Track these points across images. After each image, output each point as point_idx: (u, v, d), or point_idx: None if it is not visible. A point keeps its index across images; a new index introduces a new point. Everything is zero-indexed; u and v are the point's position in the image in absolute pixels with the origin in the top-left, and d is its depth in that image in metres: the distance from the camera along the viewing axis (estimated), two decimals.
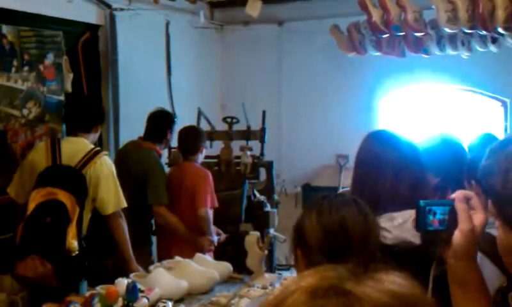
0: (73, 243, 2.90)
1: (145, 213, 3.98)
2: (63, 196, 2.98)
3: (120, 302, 2.28)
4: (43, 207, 2.96)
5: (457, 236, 1.14)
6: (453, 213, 1.16)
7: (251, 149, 4.73)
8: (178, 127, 4.34)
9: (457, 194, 1.17)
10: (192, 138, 4.14)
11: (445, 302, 1.15)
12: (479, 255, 1.45)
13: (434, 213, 1.19)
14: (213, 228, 4.05)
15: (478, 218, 1.15)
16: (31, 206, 2.97)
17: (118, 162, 3.58)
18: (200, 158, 4.19)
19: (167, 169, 4.33)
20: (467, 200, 1.16)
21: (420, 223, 1.20)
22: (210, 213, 4.00)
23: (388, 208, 1.89)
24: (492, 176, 0.99)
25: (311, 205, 1.70)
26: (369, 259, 1.47)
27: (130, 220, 3.50)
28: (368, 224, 1.59)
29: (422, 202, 1.20)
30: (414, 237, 1.68)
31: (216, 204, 4.07)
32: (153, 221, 4.15)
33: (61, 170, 3.18)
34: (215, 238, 4.05)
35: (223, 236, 4.17)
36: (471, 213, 1.15)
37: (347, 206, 1.60)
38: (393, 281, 0.60)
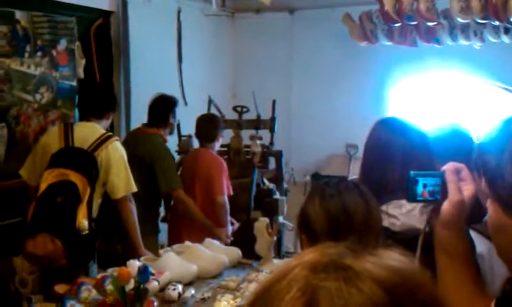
0: (83, 222, 2.93)
1: (153, 201, 4.00)
2: (75, 177, 3.02)
3: (132, 283, 2.31)
4: (55, 187, 3.00)
5: (447, 207, 1.17)
6: (444, 184, 1.19)
7: (260, 138, 4.74)
8: (188, 115, 4.35)
9: (448, 166, 1.20)
10: (210, 126, 4.16)
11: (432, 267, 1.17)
12: (490, 245, 1.46)
13: (425, 185, 1.21)
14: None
15: (468, 190, 1.17)
16: (43, 186, 3.01)
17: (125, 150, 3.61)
18: (217, 146, 4.21)
19: (176, 156, 4.35)
20: (458, 172, 1.19)
21: (410, 194, 1.22)
22: (227, 200, 4.03)
23: (397, 195, 1.91)
24: (488, 154, 1.02)
25: (314, 191, 1.73)
26: (372, 241, 1.50)
27: (137, 208, 3.51)
28: (370, 208, 1.62)
29: (412, 173, 1.22)
30: (421, 224, 1.70)
31: (231, 192, 4.09)
32: (161, 209, 4.18)
33: (73, 152, 3.23)
34: (229, 229, 4.08)
35: (236, 225, 4.19)
36: (461, 184, 1.18)
37: (349, 191, 1.63)
38: (392, 257, 0.62)
